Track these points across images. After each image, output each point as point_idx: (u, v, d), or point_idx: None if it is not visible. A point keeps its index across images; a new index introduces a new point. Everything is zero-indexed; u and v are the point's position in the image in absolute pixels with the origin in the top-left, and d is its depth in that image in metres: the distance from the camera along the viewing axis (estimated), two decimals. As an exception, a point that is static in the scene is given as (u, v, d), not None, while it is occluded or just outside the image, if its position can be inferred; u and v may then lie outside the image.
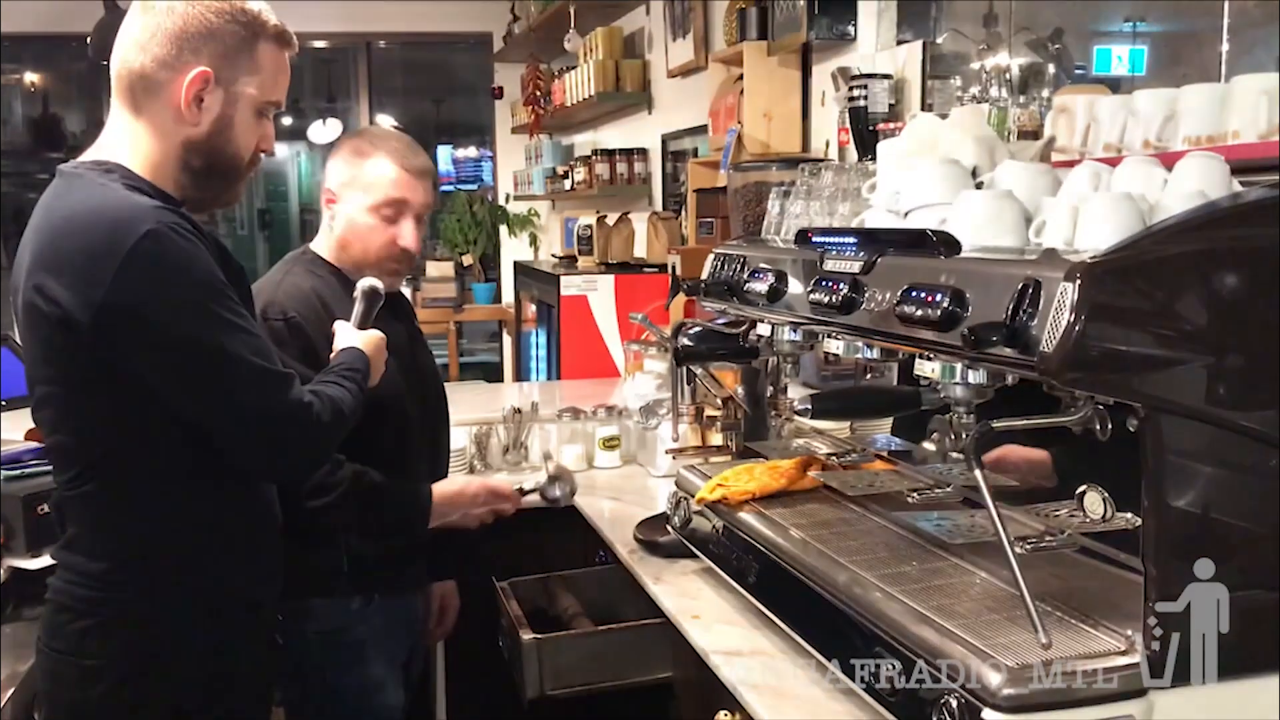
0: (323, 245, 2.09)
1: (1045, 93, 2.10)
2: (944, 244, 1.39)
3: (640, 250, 4.52)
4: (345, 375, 1.68)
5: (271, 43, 1.57)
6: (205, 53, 1.51)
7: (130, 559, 1.54)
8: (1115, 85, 2.41)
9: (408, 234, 2.02)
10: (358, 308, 1.89)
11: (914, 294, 1.36)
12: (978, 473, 1.23)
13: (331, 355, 1.79)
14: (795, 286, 1.72)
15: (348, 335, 1.83)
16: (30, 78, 7.93)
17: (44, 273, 1.43)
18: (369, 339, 1.82)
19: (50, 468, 2.06)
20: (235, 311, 1.49)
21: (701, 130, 4.18)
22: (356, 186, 2.01)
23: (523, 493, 2.15)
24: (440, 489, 2.03)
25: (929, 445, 1.66)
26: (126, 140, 1.54)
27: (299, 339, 1.91)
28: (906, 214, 1.62)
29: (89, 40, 4.92)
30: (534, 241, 6.85)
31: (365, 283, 1.91)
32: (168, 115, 1.52)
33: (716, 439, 2.48)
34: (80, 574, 1.53)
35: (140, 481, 1.53)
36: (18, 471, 2.18)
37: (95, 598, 1.52)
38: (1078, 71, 2.51)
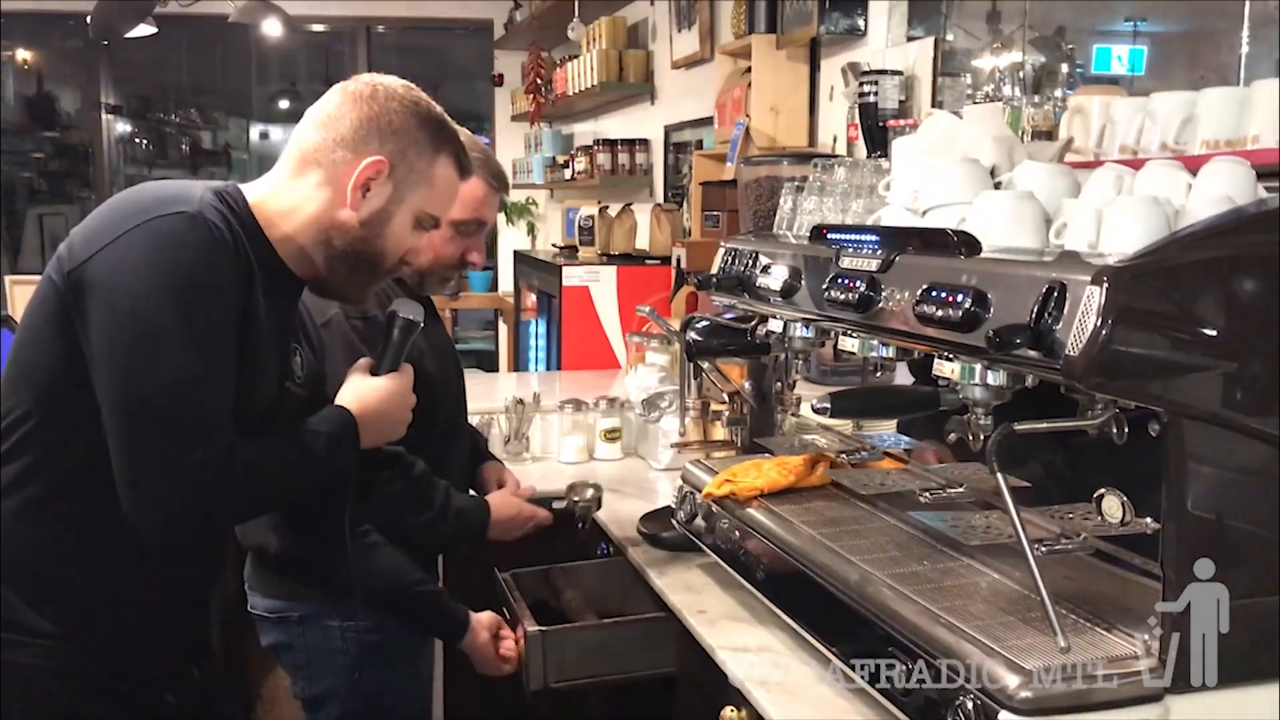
0: None
1: (1059, 92, 2.10)
2: (964, 244, 1.39)
3: (642, 242, 4.51)
4: (306, 442, 1.49)
5: (452, 162, 1.54)
6: (388, 146, 1.47)
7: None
8: (1114, 84, 2.40)
9: None
10: (393, 339, 1.65)
11: (934, 294, 1.36)
12: (999, 476, 1.23)
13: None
14: (810, 283, 1.71)
15: (350, 388, 1.60)
16: (24, 55, 7.86)
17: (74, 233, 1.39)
18: (376, 390, 1.59)
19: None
20: (215, 333, 1.35)
21: (705, 122, 4.17)
22: None
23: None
24: (498, 511, 2.10)
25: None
26: (278, 192, 1.49)
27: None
28: (925, 213, 1.62)
29: (89, 20, 4.88)
30: (532, 230, 6.83)
31: (404, 311, 1.65)
32: (328, 191, 1.47)
33: (721, 433, 2.47)
34: None
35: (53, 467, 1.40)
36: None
37: None
38: (1077, 70, 2.50)
